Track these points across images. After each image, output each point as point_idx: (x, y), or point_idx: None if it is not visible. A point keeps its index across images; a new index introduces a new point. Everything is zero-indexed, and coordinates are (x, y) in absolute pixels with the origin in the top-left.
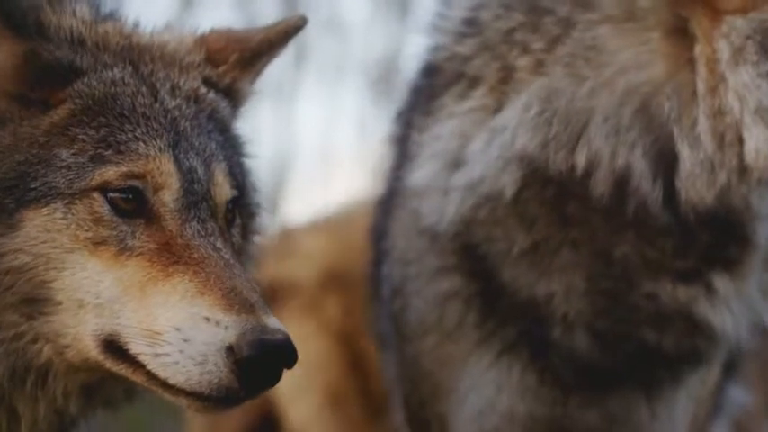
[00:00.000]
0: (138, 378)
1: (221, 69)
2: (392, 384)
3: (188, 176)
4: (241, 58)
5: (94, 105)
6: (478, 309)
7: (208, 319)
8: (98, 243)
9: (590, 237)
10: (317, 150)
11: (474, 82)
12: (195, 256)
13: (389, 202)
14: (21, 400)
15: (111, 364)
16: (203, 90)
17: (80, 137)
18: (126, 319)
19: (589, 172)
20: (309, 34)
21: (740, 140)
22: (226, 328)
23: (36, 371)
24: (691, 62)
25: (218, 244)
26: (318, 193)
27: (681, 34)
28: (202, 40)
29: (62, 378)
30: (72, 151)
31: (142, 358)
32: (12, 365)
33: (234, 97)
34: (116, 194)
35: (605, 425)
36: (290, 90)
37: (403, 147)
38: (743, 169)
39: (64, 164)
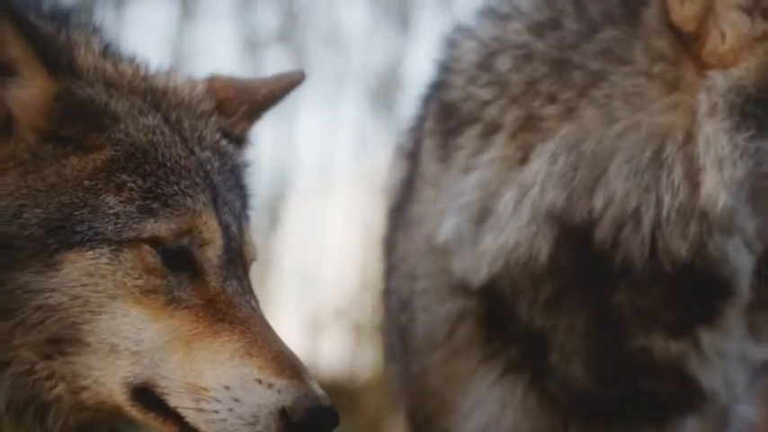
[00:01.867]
0: (166, 428)
1: (232, 120)
2: (398, 398)
3: (227, 233)
4: (249, 111)
5: (137, 153)
6: (486, 328)
7: (260, 381)
8: (148, 291)
9: (591, 283)
10: (316, 163)
11: (491, 128)
12: (239, 315)
13: (398, 216)
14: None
15: (136, 411)
16: (223, 142)
17: (128, 185)
18: (168, 371)
19: (601, 215)
20: (309, 47)
21: (700, 185)
22: (279, 391)
23: (38, 406)
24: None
25: (254, 303)
26: (318, 206)
27: (686, 80)
28: (212, 89)
29: (63, 415)
30: (120, 199)
31: (183, 411)
32: (13, 398)
33: (241, 147)
34: (166, 248)
35: None
36: (290, 103)
37: (413, 162)
38: (702, 215)
39: (113, 211)
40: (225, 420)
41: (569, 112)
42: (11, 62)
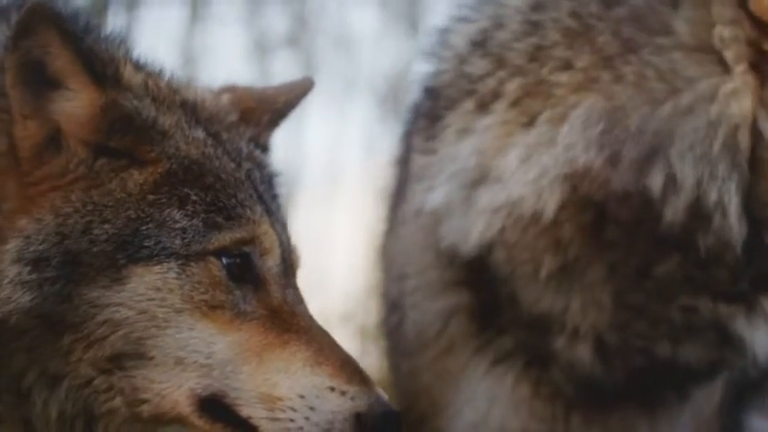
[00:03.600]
0: None
1: (258, 130)
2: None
3: (281, 242)
4: (271, 119)
5: (193, 166)
6: (479, 318)
7: (332, 389)
8: (214, 306)
9: (627, 257)
10: (324, 167)
11: (489, 98)
12: (302, 324)
13: (390, 221)
14: None
15: (203, 423)
16: (257, 152)
17: (192, 198)
18: (239, 382)
19: (664, 195)
20: (318, 50)
21: None
22: (352, 398)
23: (88, 418)
24: None
25: (309, 312)
26: (325, 209)
27: (763, 68)
28: (235, 99)
29: (113, 428)
30: (185, 213)
31: (257, 421)
32: (65, 410)
33: (267, 155)
34: (231, 260)
35: None
36: (299, 106)
37: (404, 168)
38: None
39: (179, 225)
40: (301, 429)
41: (590, 82)
42: (57, 74)
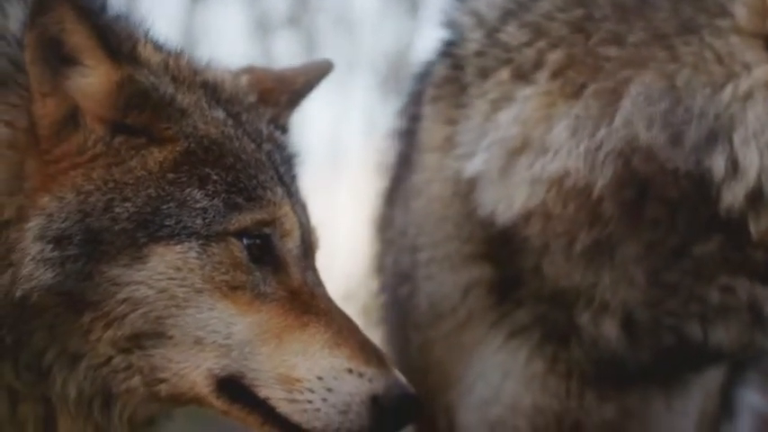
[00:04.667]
0: (250, 418)
1: (277, 111)
2: None
3: (301, 224)
4: (290, 100)
5: (213, 146)
6: (497, 293)
7: (350, 371)
8: (234, 287)
9: (666, 236)
10: (325, 147)
11: (530, 67)
12: (322, 306)
13: (394, 194)
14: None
15: (220, 403)
16: (277, 133)
17: (212, 177)
18: (258, 363)
19: (725, 179)
20: (319, 30)
21: None
22: (370, 380)
23: (105, 397)
24: None
25: (328, 293)
26: (326, 189)
27: None
28: (255, 80)
29: (131, 407)
30: (205, 192)
31: (275, 402)
32: (84, 389)
33: (286, 136)
34: (251, 241)
35: (620, 419)
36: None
37: (409, 140)
38: None
39: (199, 205)
40: (318, 410)
41: (645, 59)
42: (73, 51)
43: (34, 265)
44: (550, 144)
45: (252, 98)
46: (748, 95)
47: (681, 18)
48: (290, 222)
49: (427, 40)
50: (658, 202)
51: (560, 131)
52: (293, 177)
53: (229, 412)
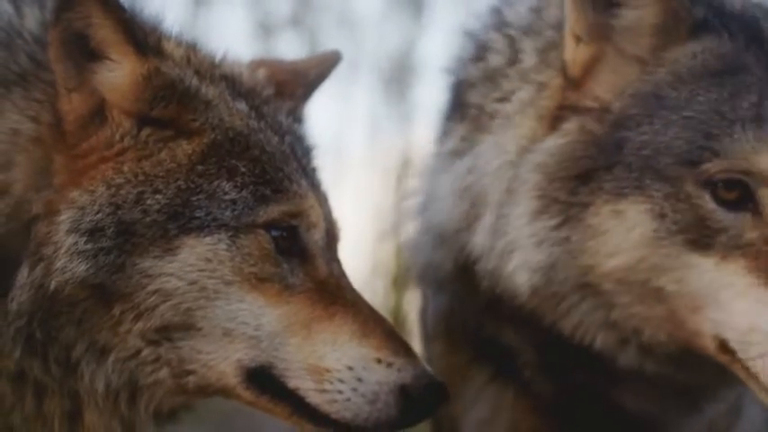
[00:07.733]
0: (278, 408)
1: (294, 103)
2: None
3: (325, 215)
4: (305, 93)
5: (239, 138)
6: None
7: (379, 361)
8: (263, 279)
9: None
10: (328, 147)
11: None
12: (348, 297)
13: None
14: (101, 413)
15: (249, 394)
16: (295, 125)
17: (240, 170)
18: (287, 354)
19: None
20: (322, 31)
21: None
22: (399, 370)
23: (132, 389)
24: None
25: (352, 284)
26: (329, 190)
27: None
28: (271, 74)
29: (157, 399)
30: (234, 184)
31: (304, 392)
32: (112, 382)
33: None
34: (279, 233)
35: None
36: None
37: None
38: None
39: (228, 197)
40: (348, 400)
41: None
42: (99, 45)
43: (68, 257)
44: None
45: (270, 90)
46: None
47: None
48: (316, 214)
49: (430, 41)
50: None
51: None
52: (314, 169)
53: (257, 403)
